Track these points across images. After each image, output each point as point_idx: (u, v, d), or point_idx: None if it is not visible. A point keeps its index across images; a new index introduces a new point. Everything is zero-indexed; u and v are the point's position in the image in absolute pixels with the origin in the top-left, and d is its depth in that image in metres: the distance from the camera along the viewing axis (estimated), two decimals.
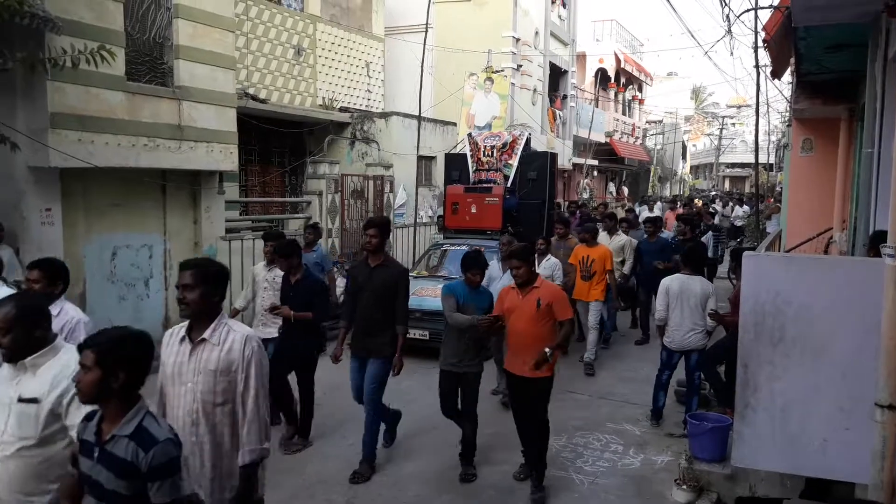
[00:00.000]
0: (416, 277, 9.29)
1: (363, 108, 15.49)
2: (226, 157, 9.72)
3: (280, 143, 13.11)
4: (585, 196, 25.28)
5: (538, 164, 11.06)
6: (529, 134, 11.96)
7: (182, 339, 3.21)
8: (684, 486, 5.17)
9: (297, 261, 6.33)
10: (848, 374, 3.34)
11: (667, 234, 11.29)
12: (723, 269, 14.32)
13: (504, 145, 11.12)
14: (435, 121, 16.41)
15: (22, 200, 7.73)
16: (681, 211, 17.27)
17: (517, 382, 5.34)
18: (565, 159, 23.64)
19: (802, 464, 3.47)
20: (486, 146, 11.19)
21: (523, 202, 10.84)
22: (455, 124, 16.76)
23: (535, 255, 7.39)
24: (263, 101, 11.81)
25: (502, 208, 10.37)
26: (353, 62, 15.15)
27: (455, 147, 14.15)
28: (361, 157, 14.51)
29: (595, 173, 28.78)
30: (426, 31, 13.68)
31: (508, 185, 10.91)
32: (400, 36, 17.20)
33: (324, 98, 14.13)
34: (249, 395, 3.16)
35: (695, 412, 6.06)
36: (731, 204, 24.71)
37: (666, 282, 6.66)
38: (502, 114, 16.63)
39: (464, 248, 9.27)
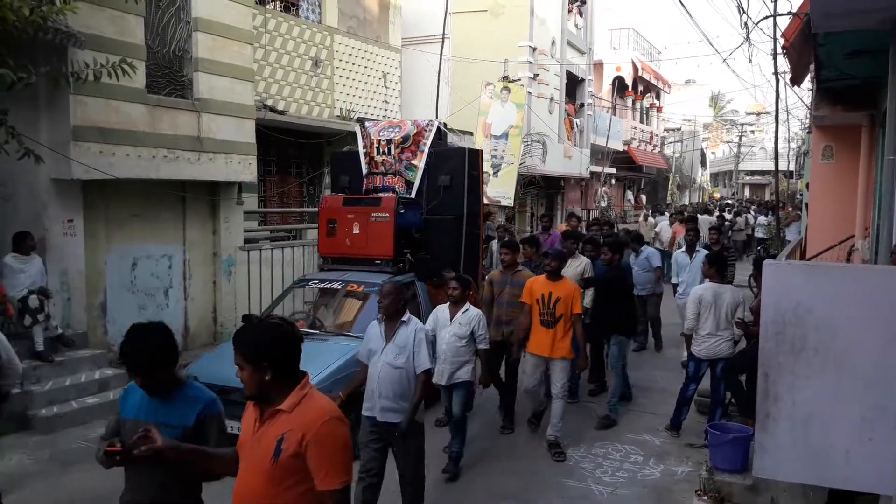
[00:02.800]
0: None
1: (380, 118, 15.57)
2: (244, 168, 9.81)
3: (298, 154, 13.20)
4: (603, 204, 25.18)
5: (452, 166, 7.99)
6: (443, 125, 8.79)
7: None
8: (705, 497, 5.11)
9: None
10: (871, 384, 3.28)
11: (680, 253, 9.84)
12: (742, 277, 14.17)
13: (405, 139, 8.18)
14: (451, 130, 16.45)
15: (44, 212, 7.84)
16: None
17: None
18: (583, 168, 23.58)
19: (825, 475, 3.41)
20: (380, 140, 8.29)
21: (432, 218, 7.94)
22: (472, 134, 16.79)
23: (454, 292, 5.84)
24: (281, 113, 11.89)
25: (394, 227, 7.40)
26: (370, 73, 15.23)
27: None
28: None
29: (613, 182, 28.67)
30: (443, 42, 13.75)
31: (412, 194, 8.06)
32: (417, 46, 17.28)
33: (341, 109, 14.21)
34: None
35: (716, 422, 5.99)
36: (746, 214, 23.47)
37: (699, 290, 6.61)
38: (519, 123, 16.62)
39: (337, 285, 7.28)
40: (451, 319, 5.85)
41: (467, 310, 5.83)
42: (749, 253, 20.53)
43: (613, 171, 27.35)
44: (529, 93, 18.59)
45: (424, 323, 5.56)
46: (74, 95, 7.60)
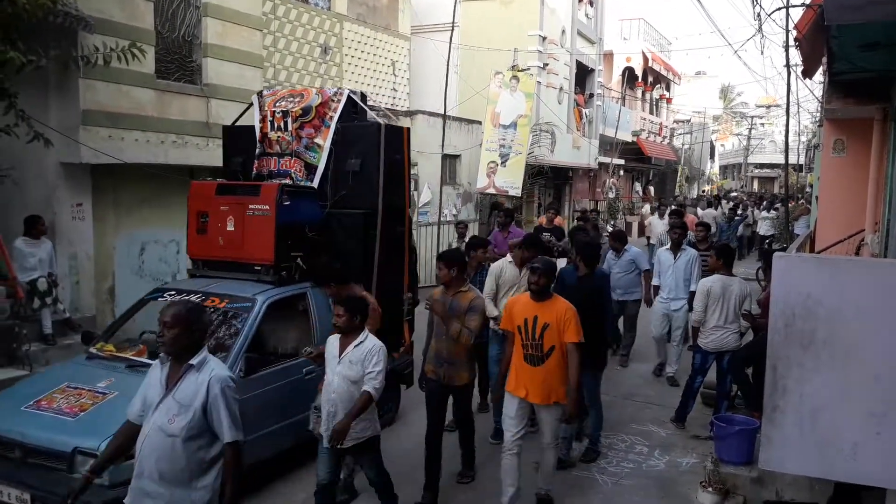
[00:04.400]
0: (91, 357, 5.35)
1: (389, 106, 15.53)
2: None
3: None
4: (611, 195, 25.08)
5: (364, 146, 6.24)
6: (361, 95, 6.82)
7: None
8: (710, 489, 5.12)
9: None
10: (880, 378, 3.27)
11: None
12: (749, 270, 14.13)
13: (305, 112, 6.40)
14: (460, 119, 16.41)
15: (54, 196, 7.88)
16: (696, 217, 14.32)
17: None
18: (591, 158, 23.49)
19: (832, 468, 3.40)
20: (275, 112, 6.55)
21: (336, 213, 6.25)
22: (480, 123, 16.75)
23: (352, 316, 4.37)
24: None
25: (276, 224, 5.72)
26: (380, 61, 15.19)
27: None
28: None
29: (621, 173, 28.56)
30: (452, 30, 13.68)
31: (315, 181, 6.39)
32: (426, 34, 17.21)
33: None
34: None
35: (722, 414, 5.99)
36: (747, 209, 21.97)
37: (707, 283, 6.58)
38: (528, 112, 16.56)
39: (195, 298, 5.30)
40: (339, 355, 4.39)
41: (361, 342, 4.36)
42: (753, 248, 20.37)
43: (622, 162, 27.24)
44: (539, 82, 18.51)
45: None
46: (84, 79, 7.62)
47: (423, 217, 14.10)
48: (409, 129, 6.80)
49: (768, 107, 43.94)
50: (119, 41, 7.19)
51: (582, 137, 22.74)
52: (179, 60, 9.01)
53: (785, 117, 12.49)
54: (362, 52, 14.62)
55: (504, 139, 16.36)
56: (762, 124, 50.28)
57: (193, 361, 3.22)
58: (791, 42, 10.24)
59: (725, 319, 6.42)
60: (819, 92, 14.44)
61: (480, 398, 6.89)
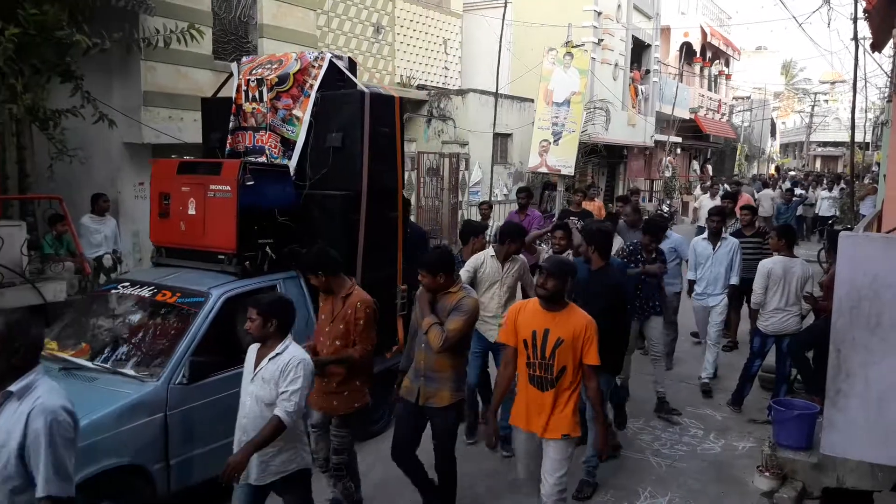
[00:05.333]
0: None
1: (440, 85, 15.50)
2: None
3: None
4: (668, 174, 24.57)
5: (345, 118, 5.49)
6: (349, 59, 6.12)
7: None
8: (767, 474, 5.01)
9: None
10: None
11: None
12: (810, 252, 13.67)
13: (282, 80, 5.67)
14: (512, 97, 16.27)
15: (118, 175, 8.15)
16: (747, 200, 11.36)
17: None
18: (647, 136, 23.03)
19: None
20: (249, 81, 5.83)
21: (315, 195, 5.52)
22: (532, 101, 16.57)
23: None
24: None
25: (238, 207, 5.01)
26: (431, 39, 15.14)
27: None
28: (438, 135, 14.55)
29: (678, 151, 27.94)
30: (505, 6, 13.54)
31: (293, 159, 5.65)
32: (478, 11, 17.06)
33: (401, 76, 14.20)
34: None
35: (780, 398, 5.86)
36: (808, 189, 20.64)
37: (767, 264, 6.42)
38: (582, 89, 16.30)
39: (147, 292, 4.92)
40: (254, 370, 3.60)
41: (278, 354, 3.52)
42: (814, 230, 19.59)
43: (679, 140, 26.62)
44: (593, 58, 18.18)
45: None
46: (145, 61, 7.81)
47: (475, 196, 14.08)
48: (400, 98, 5.92)
49: (833, 83, 42.28)
50: (178, 23, 7.35)
51: (637, 115, 22.29)
52: (236, 41, 9.15)
53: (851, 93, 12.02)
54: (414, 30, 14.59)
55: (557, 117, 16.15)
56: (826, 101, 48.44)
57: (13, 388, 2.56)
58: (860, 14, 9.81)
59: (786, 302, 6.26)
60: (888, 66, 13.81)
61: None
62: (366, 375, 4.40)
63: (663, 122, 24.37)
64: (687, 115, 26.65)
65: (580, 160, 17.29)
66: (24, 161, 7.22)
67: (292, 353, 3.52)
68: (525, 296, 5.42)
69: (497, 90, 13.32)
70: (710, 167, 32.27)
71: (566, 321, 3.88)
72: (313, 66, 5.68)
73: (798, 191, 20.00)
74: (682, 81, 26.49)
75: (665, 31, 25.86)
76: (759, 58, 49.24)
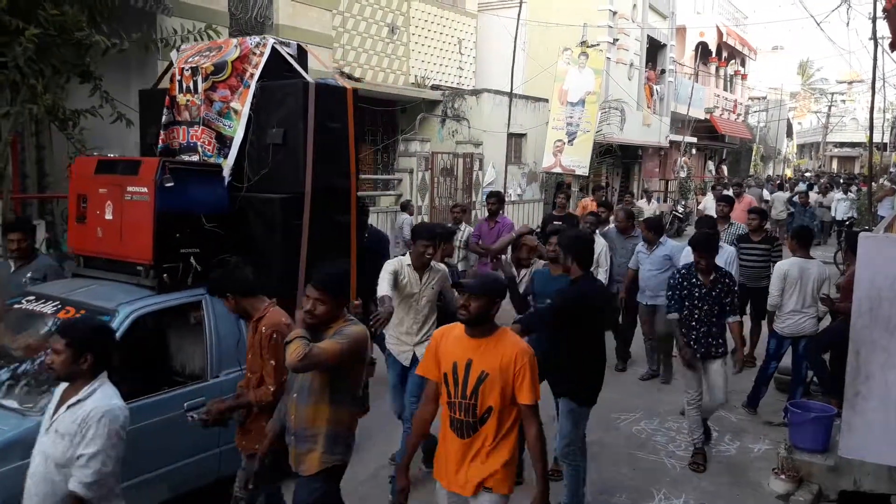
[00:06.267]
0: None
1: (454, 85, 15.51)
2: None
3: (373, 122, 13.32)
4: (683, 175, 24.46)
5: (286, 112, 4.81)
6: (298, 45, 5.37)
7: None
8: (783, 476, 4.99)
9: None
10: None
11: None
12: (826, 254, 13.53)
13: (218, 69, 4.97)
14: (527, 97, 16.26)
15: None
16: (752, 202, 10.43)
17: None
18: (662, 136, 22.94)
19: None
20: (184, 70, 5.13)
21: (253, 198, 4.80)
22: (547, 101, 16.54)
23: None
24: (358, 80, 12.01)
25: (154, 212, 4.34)
26: (446, 39, 15.16)
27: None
28: (452, 135, 14.56)
29: (693, 151, 27.81)
30: (520, 6, 13.53)
31: (229, 157, 4.92)
32: (493, 11, 17.06)
33: (416, 76, 14.23)
34: None
35: (797, 401, 5.82)
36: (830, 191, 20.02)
37: (784, 266, 6.38)
38: (596, 89, 16.26)
39: (50, 307, 4.22)
40: (52, 417, 2.82)
41: (80, 400, 2.73)
42: (831, 233, 19.27)
43: (694, 140, 26.50)
44: (608, 58, 18.13)
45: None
46: (162, 62, 7.86)
47: None
48: (354, 90, 5.17)
49: (850, 82, 41.92)
50: (195, 23, 7.39)
51: (652, 115, 22.21)
52: None
53: (869, 93, 11.91)
54: (429, 30, 14.61)
55: (572, 117, 16.13)
56: (843, 101, 48.01)
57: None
58: (879, 13, 9.71)
59: (803, 304, 6.21)
60: None
61: None
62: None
63: (678, 123, 24.27)
64: (702, 116, 26.52)
65: (594, 160, 17.25)
66: (44, 161, 7.29)
67: (96, 402, 2.69)
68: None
69: (511, 90, 13.31)
70: (725, 168, 32.10)
71: (492, 350, 3.05)
72: (254, 54, 4.98)
73: (813, 193, 19.67)
74: (697, 81, 26.36)
75: (681, 31, 25.75)
76: (776, 57, 48.91)
